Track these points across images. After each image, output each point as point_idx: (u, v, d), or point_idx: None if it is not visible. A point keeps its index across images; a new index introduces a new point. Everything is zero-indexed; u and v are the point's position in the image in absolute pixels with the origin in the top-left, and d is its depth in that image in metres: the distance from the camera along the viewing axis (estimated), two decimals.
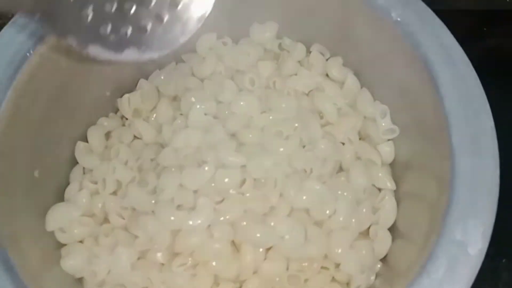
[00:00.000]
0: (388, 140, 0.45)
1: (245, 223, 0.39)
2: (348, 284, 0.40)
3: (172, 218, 0.39)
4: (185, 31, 0.29)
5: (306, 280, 0.39)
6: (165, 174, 0.41)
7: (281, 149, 0.41)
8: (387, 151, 0.44)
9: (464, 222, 0.31)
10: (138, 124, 0.46)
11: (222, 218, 0.39)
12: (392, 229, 0.41)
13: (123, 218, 0.41)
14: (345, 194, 0.41)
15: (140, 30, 0.29)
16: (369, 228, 0.42)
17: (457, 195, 0.32)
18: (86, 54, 0.29)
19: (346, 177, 0.42)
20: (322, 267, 0.40)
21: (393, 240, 0.40)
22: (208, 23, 0.40)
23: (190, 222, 0.38)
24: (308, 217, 0.40)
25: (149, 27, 0.29)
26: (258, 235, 0.38)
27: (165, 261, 0.39)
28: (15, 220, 0.37)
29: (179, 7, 0.29)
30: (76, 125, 0.46)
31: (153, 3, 0.29)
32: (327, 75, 0.48)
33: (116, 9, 0.28)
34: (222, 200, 0.40)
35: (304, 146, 0.42)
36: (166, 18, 0.29)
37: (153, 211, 0.40)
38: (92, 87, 0.46)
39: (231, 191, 0.40)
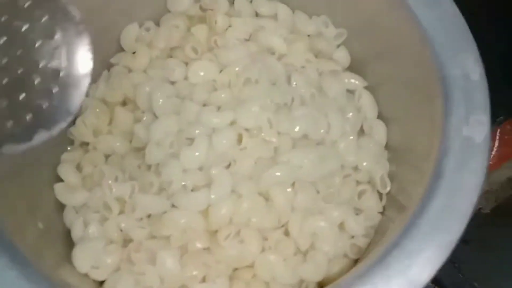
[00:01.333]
0: (339, 46, 0.47)
1: (261, 171, 0.39)
2: (371, 180, 0.42)
3: (195, 201, 0.38)
4: (80, 87, 0.28)
5: (338, 193, 0.40)
6: (164, 167, 0.39)
7: (257, 93, 0.41)
8: (343, 56, 0.47)
9: None
10: (107, 141, 0.44)
11: (239, 178, 0.39)
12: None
13: (144, 228, 0.39)
14: (329, 107, 0.43)
15: (38, 111, 0.28)
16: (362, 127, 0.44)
17: None
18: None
19: (323, 94, 0.44)
20: (344, 177, 0.42)
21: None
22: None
23: (213, 196, 0.38)
24: (310, 141, 0.42)
25: (44, 104, 0.28)
26: (279, 174, 0.39)
27: (207, 244, 0.39)
28: None
29: (61, 73, 0.28)
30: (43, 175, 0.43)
31: (36, 82, 0.28)
32: (256, 15, 0.48)
33: (7, 104, 0.27)
34: (229, 164, 0.40)
35: (274, 84, 0.43)
36: (55, 89, 0.28)
37: (173, 206, 0.39)
38: None
39: (232, 151, 0.40)
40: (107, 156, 0.45)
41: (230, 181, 0.38)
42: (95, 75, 0.47)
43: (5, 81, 0.27)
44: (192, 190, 0.39)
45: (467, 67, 0.35)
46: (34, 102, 0.28)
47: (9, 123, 0.27)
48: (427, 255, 0.30)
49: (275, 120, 0.40)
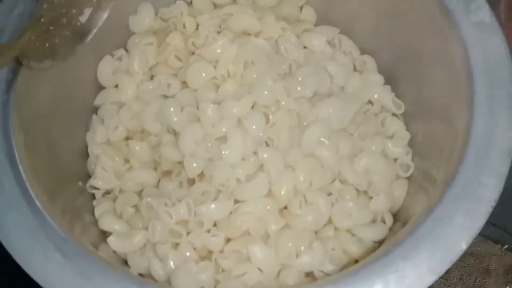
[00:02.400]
0: (302, 7, 0.50)
1: (298, 137, 0.41)
2: (384, 107, 0.46)
3: (256, 188, 0.39)
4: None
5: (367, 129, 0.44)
6: (213, 171, 0.40)
7: (260, 71, 0.43)
8: (309, 14, 0.50)
9: None
10: (134, 178, 0.44)
11: (284, 152, 0.41)
12: None
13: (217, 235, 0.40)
14: (321, 60, 0.46)
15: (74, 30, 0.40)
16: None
17: None
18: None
19: (309, 51, 0.47)
20: (364, 113, 0.45)
21: None
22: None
23: (273, 175, 0.39)
24: (321, 96, 0.44)
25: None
26: (314, 132, 0.41)
27: (283, 222, 0.40)
28: None
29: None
30: None
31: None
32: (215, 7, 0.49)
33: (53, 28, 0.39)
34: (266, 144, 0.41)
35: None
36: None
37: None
38: None
39: (265, 131, 0.41)
40: (138, 193, 0.44)
41: (279, 156, 0.40)
42: (85, 122, 0.46)
43: (53, 13, 0.38)
44: (247, 181, 0.40)
45: None
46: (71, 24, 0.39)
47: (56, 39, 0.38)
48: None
49: (288, 89, 0.42)
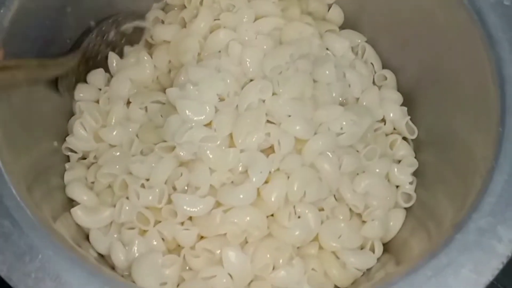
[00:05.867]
0: (330, 5, 0.46)
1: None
2: (396, 129, 0.43)
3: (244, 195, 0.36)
4: None
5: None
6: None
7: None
8: (336, 14, 0.47)
9: None
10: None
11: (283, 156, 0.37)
12: None
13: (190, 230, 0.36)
14: (341, 66, 0.42)
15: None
16: None
17: None
18: None
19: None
20: (374, 131, 0.42)
21: None
22: None
23: (254, 179, 0.36)
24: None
25: None
26: (320, 142, 0.38)
27: (267, 231, 0.36)
28: None
29: None
30: None
31: None
32: None
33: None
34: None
35: None
36: None
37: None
38: None
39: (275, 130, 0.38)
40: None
41: (263, 159, 0.36)
42: None
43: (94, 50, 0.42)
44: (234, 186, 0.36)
45: None
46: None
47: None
48: None
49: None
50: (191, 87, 0.37)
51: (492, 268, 0.26)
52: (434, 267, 0.26)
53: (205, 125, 0.37)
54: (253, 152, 0.37)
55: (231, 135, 0.37)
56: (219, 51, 0.41)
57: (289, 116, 0.37)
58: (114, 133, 0.39)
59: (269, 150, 0.38)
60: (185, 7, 0.45)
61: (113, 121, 0.40)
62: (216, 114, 0.37)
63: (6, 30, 0.33)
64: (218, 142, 0.36)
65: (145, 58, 0.42)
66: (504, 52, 0.33)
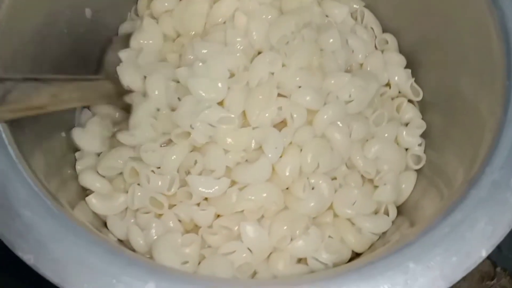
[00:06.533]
0: None
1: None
2: (401, 92, 0.43)
3: (259, 172, 0.36)
4: None
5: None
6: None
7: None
8: None
9: None
10: None
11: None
12: None
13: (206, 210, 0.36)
14: (343, 32, 0.42)
15: None
16: None
17: None
18: None
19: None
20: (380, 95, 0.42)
21: None
22: None
23: (270, 155, 0.36)
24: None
25: None
26: (330, 112, 0.37)
27: (283, 205, 0.37)
28: None
29: None
30: None
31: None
32: None
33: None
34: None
35: None
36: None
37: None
38: None
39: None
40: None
41: (277, 135, 0.36)
42: None
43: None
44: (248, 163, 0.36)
45: None
46: None
47: None
48: None
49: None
50: (200, 64, 0.37)
51: (508, 219, 0.27)
52: (449, 224, 0.27)
53: (218, 104, 0.36)
54: (267, 128, 0.36)
55: (243, 112, 0.37)
56: (224, 22, 0.40)
57: (299, 87, 0.37)
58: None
59: (280, 124, 0.37)
60: None
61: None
62: (228, 92, 0.37)
63: None
64: (236, 123, 0.36)
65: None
66: (506, 7, 0.33)
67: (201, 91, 0.36)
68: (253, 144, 0.37)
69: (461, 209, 0.27)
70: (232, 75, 0.37)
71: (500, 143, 0.29)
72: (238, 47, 0.39)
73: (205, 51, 0.38)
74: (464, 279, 0.45)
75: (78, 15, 0.40)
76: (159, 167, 0.37)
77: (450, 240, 0.26)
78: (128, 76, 0.39)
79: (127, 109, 0.39)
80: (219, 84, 0.36)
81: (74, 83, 0.36)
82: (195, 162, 0.36)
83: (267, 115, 0.37)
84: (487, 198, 0.27)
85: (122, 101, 0.40)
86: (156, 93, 0.37)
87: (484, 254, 0.26)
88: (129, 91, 0.39)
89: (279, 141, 0.36)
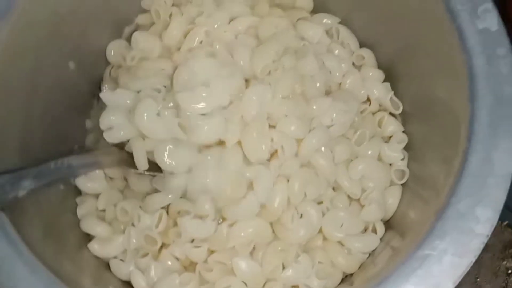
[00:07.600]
0: None
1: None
2: (382, 106, 0.43)
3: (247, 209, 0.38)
4: None
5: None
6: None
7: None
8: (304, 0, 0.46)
9: None
10: None
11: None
12: None
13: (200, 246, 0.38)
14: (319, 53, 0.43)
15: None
16: None
17: None
18: None
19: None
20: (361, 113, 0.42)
21: None
22: None
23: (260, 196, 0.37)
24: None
25: None
26: (315, 140, 0.39)
27: (272, 237, 0.39)
28: None
29: None
30: None
31: None
32: None
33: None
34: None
35: None
36: None
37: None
38: None
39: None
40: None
41: (267, 173, 0.38)
42: None
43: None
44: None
45: None
46: None
47: None
48: None
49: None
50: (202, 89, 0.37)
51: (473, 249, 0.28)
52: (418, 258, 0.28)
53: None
54: (259, 167, 0.38)
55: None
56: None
57: (286, 116, 0.38)
58: None
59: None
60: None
61: None
62: (227, 127, 0.38)
63: None
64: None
65: None
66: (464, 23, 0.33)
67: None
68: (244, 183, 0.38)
69: (429, 243, 0.28)
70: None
71: (464, 171, 0.30)
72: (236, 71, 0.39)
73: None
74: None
75: None
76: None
77: (419, 275, 0.28)
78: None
79: None
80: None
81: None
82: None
83: (263, 148, 0.38)
84: (453, 228, 0.28)
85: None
86: None
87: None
88: None
89: (269, 180, 0.38)
